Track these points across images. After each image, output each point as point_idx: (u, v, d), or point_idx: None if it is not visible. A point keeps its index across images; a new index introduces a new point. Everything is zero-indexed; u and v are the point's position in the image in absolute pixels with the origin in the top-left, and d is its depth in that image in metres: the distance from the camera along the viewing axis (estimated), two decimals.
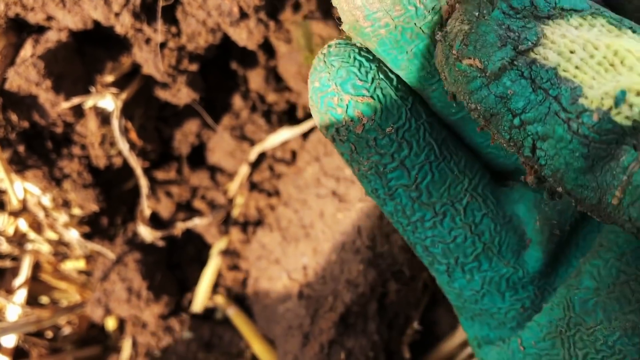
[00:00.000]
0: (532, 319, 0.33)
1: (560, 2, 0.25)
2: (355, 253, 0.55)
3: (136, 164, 0.61)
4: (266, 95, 0.66)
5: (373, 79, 0.30)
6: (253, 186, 0.67)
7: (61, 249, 0.65)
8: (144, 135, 0.63)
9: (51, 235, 0.63)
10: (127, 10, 0.53)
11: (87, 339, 0.67)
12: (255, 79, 0.65)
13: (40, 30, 0.56)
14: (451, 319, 0.59)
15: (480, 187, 0.33)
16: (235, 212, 0.67)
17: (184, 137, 0.67)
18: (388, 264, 0.55)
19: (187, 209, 0.68)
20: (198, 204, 0.68)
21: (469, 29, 0.25)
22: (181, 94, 0.60)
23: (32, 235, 0.62)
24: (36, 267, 0.64)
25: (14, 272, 0.63)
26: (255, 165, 0.67)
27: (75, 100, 0.56)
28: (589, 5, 0.26)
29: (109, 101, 0.58)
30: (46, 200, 0.60)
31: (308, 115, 0.65)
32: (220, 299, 0.65)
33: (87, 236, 0.65)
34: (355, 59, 0.30)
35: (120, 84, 0.59)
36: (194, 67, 0.59)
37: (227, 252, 0.66)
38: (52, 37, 0.55)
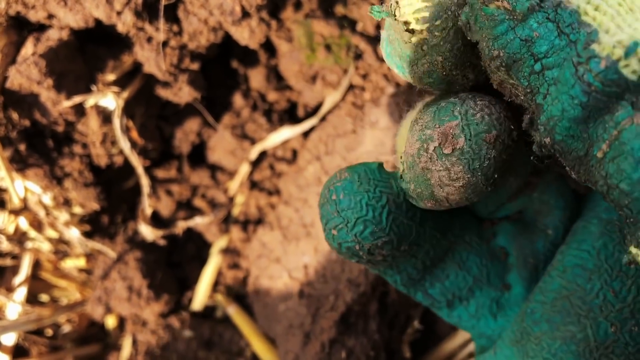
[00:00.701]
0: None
1: None
2: None
3: (137, 163, 0.61)
4: (267, 94, 0.66)
5: (387, 219, 0.31)
6: (254, 185, 0.67)
7: (61, 247, 0.65)
8: (145, 134, 0.63)
9: (52, 233, 0.63)
10: (129, 8, 0.53)
11: (87, 337, 0.67)
12: (256, 78, 0.65)
13: (41, 28, 0.56)
14: None
15: (467, 235, 0.36)
16: (236, 211, 0.67)
17: (185, 135, 0.67)
18: None
19: (187, 208, 0.68)
20: (199, 202, 0.68)
21: None
22: (182, 93, 0.60)
23: (32, 233, 0.62)
24: (36, 265, 0.64)
25: (14, 270, 0.63)
26: (255, 164, 0.67)
27: (77, 99, 0.56)
28: None
29: (110, 100, 0.57)
30: (47, 198, 0.60)
31: (309, 114, 0.65)
32: (220, 298, 0.65)
33: (87, 234, 0.65)
34: (367, 206, 0.31)
35: (121, 82, 0.59)
36: (195, 66, 0.59)
37: (228, 251, 0.66)
38: (53, 36, 0.55)
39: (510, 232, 0.37)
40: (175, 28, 0.56)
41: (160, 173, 0.68)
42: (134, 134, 0.61)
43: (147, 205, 0.63)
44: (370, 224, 0.31)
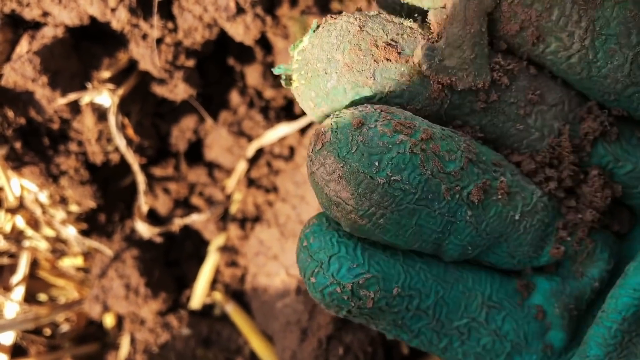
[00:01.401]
0: None
1: None
2: None
3: (133, 160, 0.61)
4: (264, 91, 0.66)
5: (363, 255, 0.30)
6: (251, 182, 0.67)
7: (59, 246, 0.65)
8: (141, 132, 0.63)
9: (48, 232, 0.63)
10: (123, 5, 0.53)
11: (85, 336, 0.67)
12: (253, 75, 0.64)
13: (36, 26, 0.56)
14: None
15: (494, 294, 0.34)
16: (233, 209, 0.67)
17: (181, 133, 0.66)
18: None
19: (184, 205, 0.68)
20: (196, 200, 0.68)
21: None
22: (178, 90, 0.60)
23: (29, 232, 0.62)
24: (34, 264, 0.64)
25: (12, 269, 0.63)
26: (253, 161, 0.67)
27: (72, 97, 0.56)
28: None
29: (105, 97, 0.57)
30: (43, 197, 0.60)
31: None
32: (218, 295, 0.65)
33: (84, 233, 0.65)
34: (338, 243, 0.30)
35: (116, 80, 0.59)
36: (190, 63, 0.59)
37: (225, 249, 0.66)
38: (48, 33, 0.55)
39: (548, 289, 0.35)
40: (170, 25, 0.56)
41: (157, 171, 0.67)
42: (130, 132, 0.61)
43: (143, 203, 0.63)
44: (345, 260, 0.30)
